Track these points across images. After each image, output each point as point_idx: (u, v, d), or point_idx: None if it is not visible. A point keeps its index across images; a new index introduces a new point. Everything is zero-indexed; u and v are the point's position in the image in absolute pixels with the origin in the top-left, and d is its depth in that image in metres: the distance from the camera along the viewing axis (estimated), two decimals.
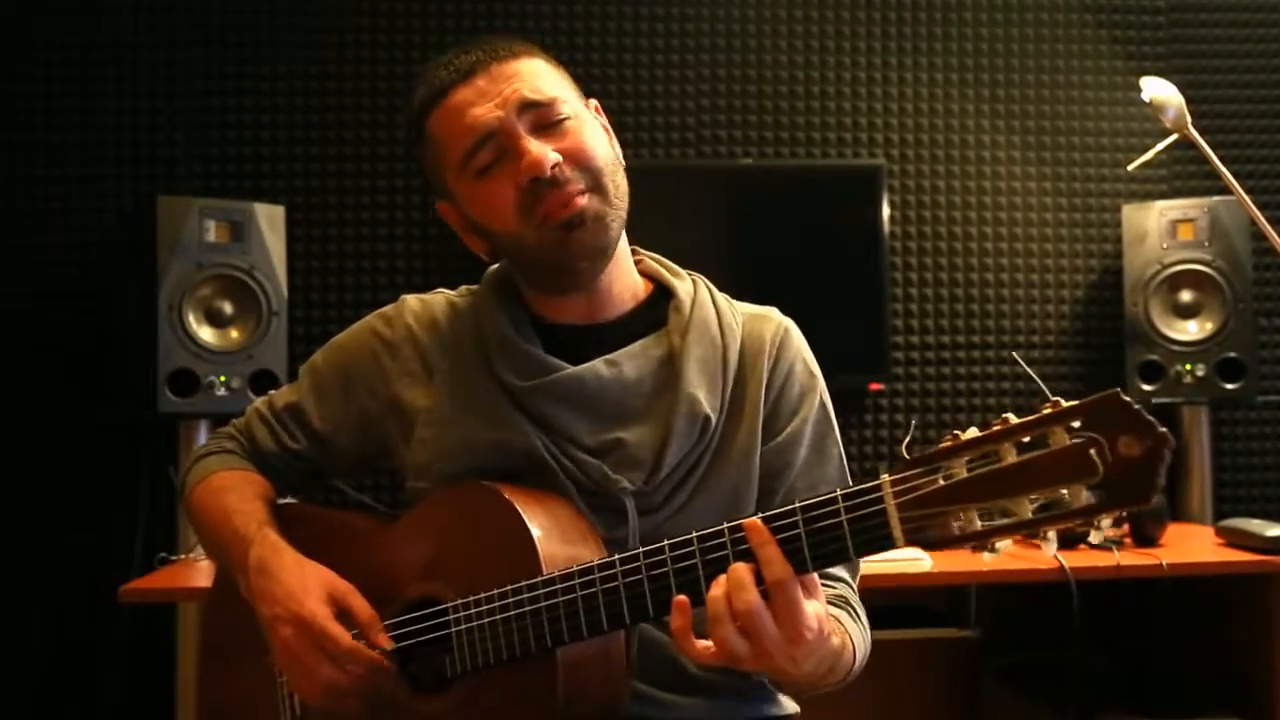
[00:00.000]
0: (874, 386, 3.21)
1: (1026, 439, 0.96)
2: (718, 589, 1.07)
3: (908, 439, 0.95)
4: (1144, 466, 0.91)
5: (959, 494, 0.98)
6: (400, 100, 3.23)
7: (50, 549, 3.06)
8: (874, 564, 2.35)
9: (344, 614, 1.26)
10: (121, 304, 3.05)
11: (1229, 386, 3.02)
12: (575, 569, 1.17)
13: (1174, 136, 2.55)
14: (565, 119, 1.32)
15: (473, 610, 1.22)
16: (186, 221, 2.78)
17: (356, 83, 3.24)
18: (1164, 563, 2.44)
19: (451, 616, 1.24)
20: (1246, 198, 2.41)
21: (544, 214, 1.29)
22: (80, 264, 3.14)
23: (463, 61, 1.33)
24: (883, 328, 3.17)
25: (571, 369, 1.33)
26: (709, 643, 1.09)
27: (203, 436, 2.76)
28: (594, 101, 1.42)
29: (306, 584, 1.27)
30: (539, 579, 1.18)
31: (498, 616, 1.20)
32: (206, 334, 2.80)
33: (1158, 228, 3.08)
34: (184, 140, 3.18)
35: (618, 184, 1.35)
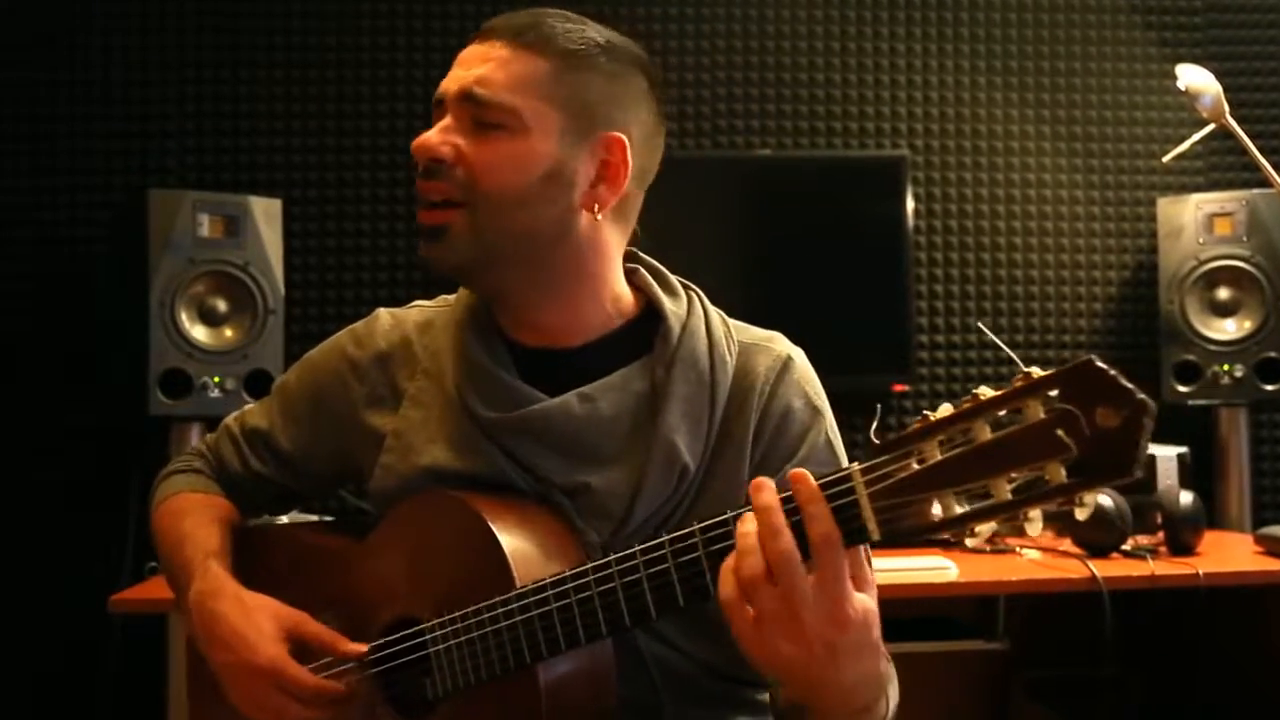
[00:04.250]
0: (897, 387, 3.17)
1: (1001, 414, 0.90)
2: (746, 525, 0.98)
3: (875, 423, 0.88)
4: (1123, 438, 0.85)
5: (934, 478, 0.93)
6: (401, 89, 3.23)
7: (39, 556, 3.04)
8: (897, 573, 2.38)
9: (300, 644, 1.23)
10: (111, 302, 2.99)
11: (1268, 388, 2.97)
12: (548, 580, 1.14)
13: (1211, 126, 2.51)
14: (497, 127, 1.21)
15: (449, 629, 1.19)
16: (179, 215, 2.74)
17: (356, 70, 3.22)
18: (1200, 572, 2.42)
19: (429, 637, 1.21)
20: None
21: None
22: (69, 260, 3.12)
23: (489, 21, 1.29)
24: (906, 326, 3.13)
25: (540, 404, 1.26)
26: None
27: (195, 440, 2.73)
28: (616, 136, 1.24)
29: (257, 623, 1.23)
30: (512, 594, 1.15)
31: (474, 634, 1.17)
32: (200, 333, 2.76)
33: (1194, 222, 3.05)
34: (176, 131, 3.16)
35: (509, 218, 1.22)
